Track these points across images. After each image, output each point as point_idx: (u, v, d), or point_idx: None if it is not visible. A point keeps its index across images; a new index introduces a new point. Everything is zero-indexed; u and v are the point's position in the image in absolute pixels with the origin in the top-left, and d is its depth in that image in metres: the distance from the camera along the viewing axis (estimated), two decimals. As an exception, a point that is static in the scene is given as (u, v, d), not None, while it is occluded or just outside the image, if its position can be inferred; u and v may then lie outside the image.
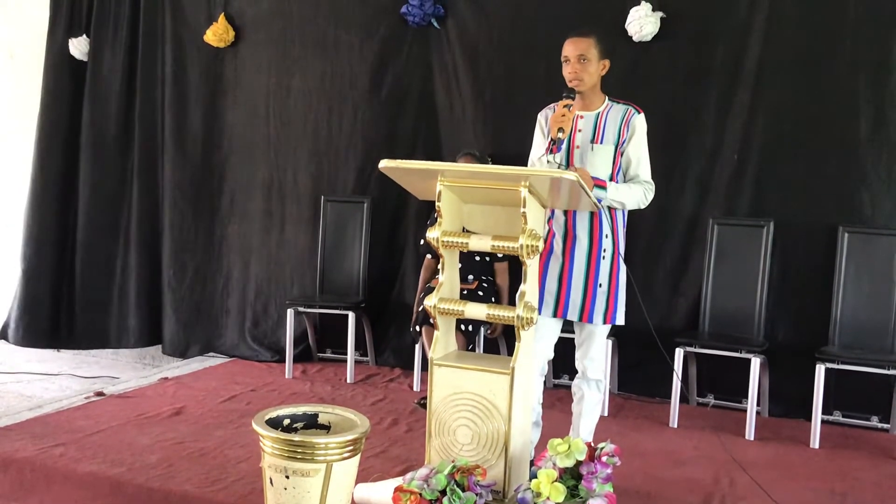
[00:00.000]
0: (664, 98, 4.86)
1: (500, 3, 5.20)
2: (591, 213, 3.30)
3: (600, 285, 3.33)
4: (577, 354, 3.45)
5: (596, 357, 3.41)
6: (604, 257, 3.33)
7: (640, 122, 3.36)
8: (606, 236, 3.33)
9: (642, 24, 4.76)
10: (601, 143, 3.32)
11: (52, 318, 6.40)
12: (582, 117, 3.35)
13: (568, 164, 3.32)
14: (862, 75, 4.51)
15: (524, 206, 2.91)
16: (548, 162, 3.26)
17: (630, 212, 4.82)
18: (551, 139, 3.21)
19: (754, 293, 4.61)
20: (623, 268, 3.38)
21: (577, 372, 3.47)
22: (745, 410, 4.37)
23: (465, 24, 5.29)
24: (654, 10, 4.77)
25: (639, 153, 3.36)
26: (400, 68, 5.47)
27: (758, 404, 4.37)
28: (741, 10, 4.70)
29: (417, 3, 5.23)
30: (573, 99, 3.27)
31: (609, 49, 3.37)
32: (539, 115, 3.49)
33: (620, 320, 3.39)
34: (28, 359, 6.43)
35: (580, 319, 3.35)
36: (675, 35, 4.81)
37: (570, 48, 3.31)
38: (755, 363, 4.27)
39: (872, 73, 4.50)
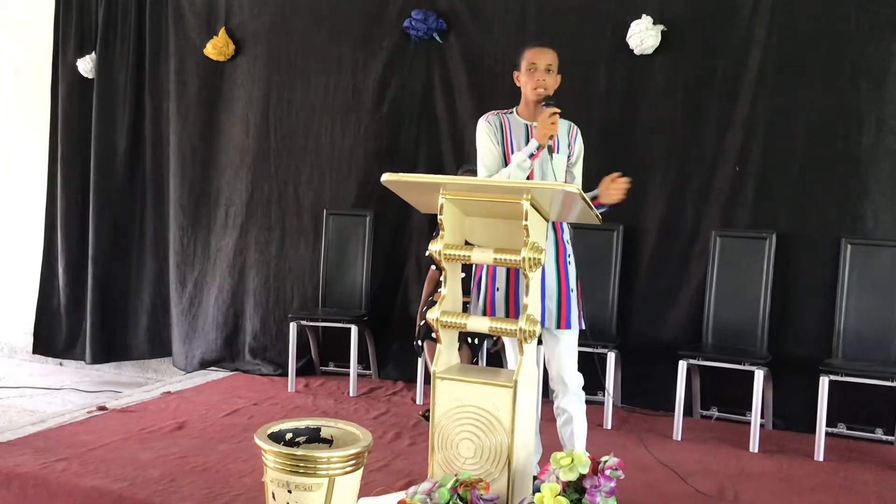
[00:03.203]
0: (666, 110, 4.88)
1: (501, 18, 5.22)
2: (553, 221, 3.30)
3: (572, 290, 3.34)
4: (553, 370, 3.37)
5: (574, 368, 3.36)
6: (569, 262, 3.35)
7: (580, 136, 3.47)
8: (568, 242, 3.37)
9: (643, 37, 4.78)
10: (558, 152, 3.37)
11: (72, 332, 6.46)
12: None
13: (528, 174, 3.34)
14: (863, 86, 4.52)
15: (526, 219, 2.91)
16: (528, 167, 3.26)
17: (632, 224, 4.89)
18: (539, 145, 3.24)
19: (757, 305, 4.60)
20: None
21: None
22: (748, 423, 4.36)
23: (468, 39, 5.31)
24: (654, 23, 4.79)
25: (581, 166, 3.48)
26: (402, 82, 5.49)
27: (762, 417, 4.36)
28: (742, 22, 4.71)
29: (421, 18, 5.25)
30: (555, 106, 3.28)
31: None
32: (482, 121, 3.46)
33: (583, 325, 3.39)
34: (31, 373, 6.45)
35: (558, 327, 3.31)
36: (677, 48, 4.83)
37: (538, 56, 3.35)
38: (759, 375, 4.26)
39: (874, 85, 4.51)
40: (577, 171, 3.46)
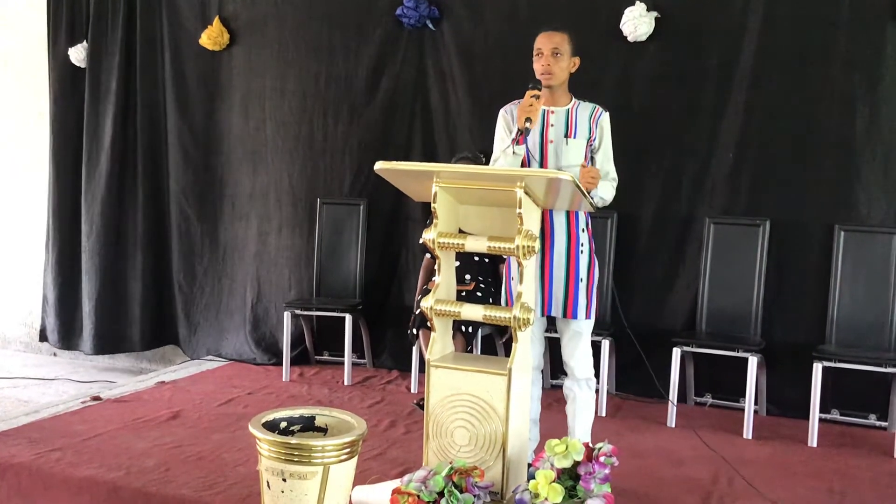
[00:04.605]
0: (659, 98, 4.87)
1: (494, 4, 5.20)
2: (567, 210, 3.30)
3: (581, 280, 3.34)
4: (564, 355, 3.43)
5: (582, 356, 3.40)
6: (582, 251, 3.35)
7: (607, 120, 3.44)
8: (583, 231, 3.36)
9: (637, 24, 4.76)
10: (574, 137, 3.36)
11: (75, 322, 6.43)
12: (553, 112, 3.37)
13: (543, 159, 3.35)
14: (856, 74, 4.52)
15: (520, 207, 2.91)
16: (513, 153, 3.26)
17: (626, 212, 4.88)
18: (518, 129, 3.23)
19: (751, 292, 4.61)
20: (596, 263, 3.42)
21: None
22: (742, 410, 4.37)
23: (461, 26, 5.29)
24: (648, 10, 4.77)
25: (607, 151, 3.45)
26: (395, 70, 5.47)
27: (755, 403, 4.37)
28: (736, 9, 4.70)
29: (412, 5, 5.23)
30: (539, 90, 3.28)
31: (578, 48, 3.40)
32: (502, 111, 3.47)
33: (593, 314, 3.41)
34: (25, 363, 6.45)
35: (564, 315, 3.35)
36: (670, 35, 4.81)
37: (544, 41, 3.35)
38: (752, 362, 4.27)
39: (867, 72, 4.50)
40: (601, 157, 3.42)
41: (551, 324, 3.58)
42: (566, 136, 3.34)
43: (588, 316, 3.37)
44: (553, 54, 3.32)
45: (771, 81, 4.66)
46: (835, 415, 4.56)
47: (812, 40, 4.58)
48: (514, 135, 3.27)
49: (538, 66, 3.35)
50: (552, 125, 3.36)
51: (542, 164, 3.34)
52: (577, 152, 3.35)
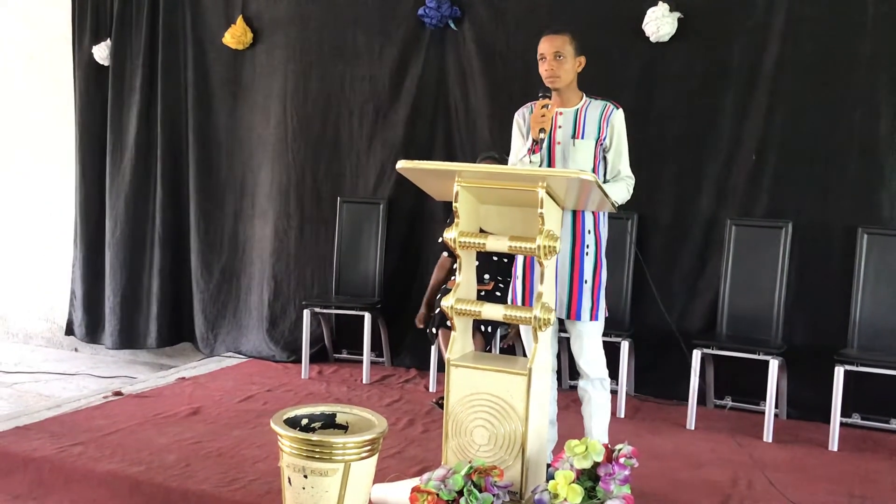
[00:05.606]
0: (681, 98, 4.85)
1: (516, 4, 5.20)
2: (574, 210, 3.28)
3: (585, 281, 3.32)
4: (574, 356, 3.42)
5: (593, 357, 3.38)
6: (587, 253, 3.32)
7: (619, 117, 3.38)
8: (589, 232, 3.33)
9: (659, 24, 4.75)
10: (582, 138, 3.33)
11: (100, 318, 6.49)
12: (561, 114, 3.36)
13: (550, 160, 3.34)
14: (881, 75, 4.48)
15: (541, 207, 2.91)
16: (530, 162, 3.26)
17: (647, 212, 4.87)
18: (533, 139, 3.23)
19: (772, 295, 4.58)
20: (605, 264, 3.39)
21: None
22: (762, 413, 4.35)
23: (482, 26, 5.29)
24: (671, 10, 4.76)
25: (620, 149, 3.39)
26: (417, 70, 5.47)
27: (776, 406, 4.35)
28: (759, 10, 4.68)
29: (434, 5, 5.23)
30: (550, 97, 3.28)
31: (584, 46, 3.37)
32: (516, 115, 3.48)
33: (603, 317, 3.39)
34: (46, 358, 6.50)
35: (568, 317, 3.33)
36: (693, 35, 4.79)
37: (545, 46, 3.33)
38: (773, 365, 4.25)
39: (891, 73, 4.46)
40: (612, 156, 3.36)
41: (564, 325, 3.56)
42: (573, 137, 3.33)
43: (594, 318, 3.35)
44: (556, 58, 3.30)
45: (794, 83, 4.63)
46: (856, 419, 4.53)
47: (836, 41, 4.55)
48: (528, 144, 3.27)
49: (543, 72, 3.33)
50: (560, 126, 3.34)
51: (550, 166, 3.33)
52: (586, 153, 3.32)
